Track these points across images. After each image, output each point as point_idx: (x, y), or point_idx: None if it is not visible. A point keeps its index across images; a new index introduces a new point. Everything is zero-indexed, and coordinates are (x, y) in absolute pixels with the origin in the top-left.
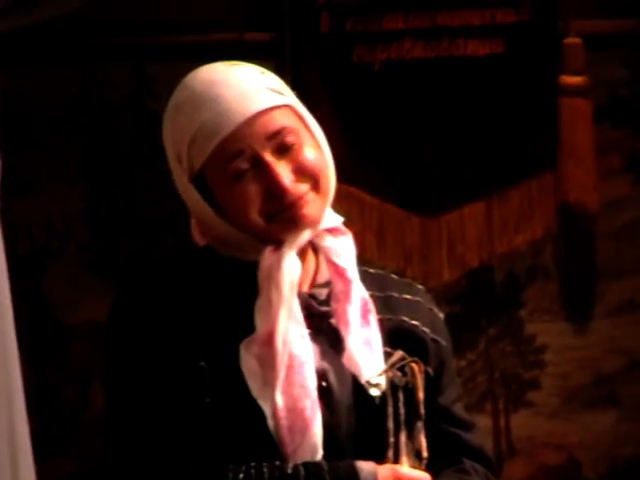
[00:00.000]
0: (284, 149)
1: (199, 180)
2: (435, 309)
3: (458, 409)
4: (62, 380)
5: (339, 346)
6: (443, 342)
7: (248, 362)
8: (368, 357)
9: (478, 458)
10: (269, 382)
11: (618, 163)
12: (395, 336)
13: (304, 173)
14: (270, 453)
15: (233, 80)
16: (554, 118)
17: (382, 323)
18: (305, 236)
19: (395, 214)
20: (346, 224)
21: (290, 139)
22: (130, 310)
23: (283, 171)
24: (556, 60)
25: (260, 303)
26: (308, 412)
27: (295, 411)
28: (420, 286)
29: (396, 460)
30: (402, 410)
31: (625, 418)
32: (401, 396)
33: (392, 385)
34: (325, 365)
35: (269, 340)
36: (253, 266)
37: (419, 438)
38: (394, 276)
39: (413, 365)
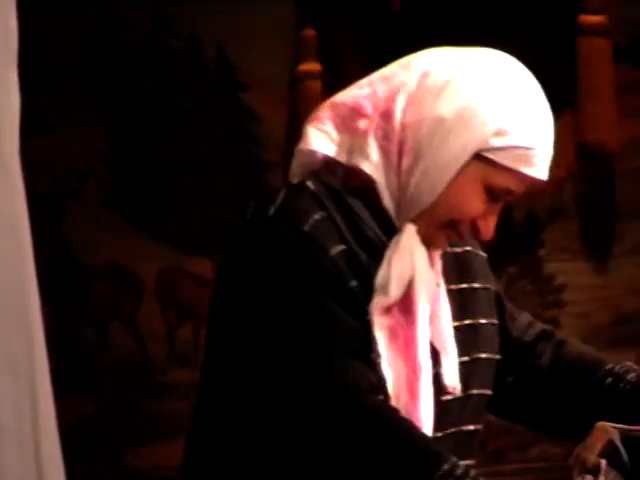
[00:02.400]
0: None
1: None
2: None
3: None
4: (82, 320)
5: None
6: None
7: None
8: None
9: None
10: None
11: (638, 103)
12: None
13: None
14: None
15: (550, 131)
16: (573, 58)
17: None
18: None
19: None
20: None
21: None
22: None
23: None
24: None
25: (398, 252)
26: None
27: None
28: None
29: None
30: None
31: None
32: None
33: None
34: None
35: (410, 311)
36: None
37: None
38: None
39: None
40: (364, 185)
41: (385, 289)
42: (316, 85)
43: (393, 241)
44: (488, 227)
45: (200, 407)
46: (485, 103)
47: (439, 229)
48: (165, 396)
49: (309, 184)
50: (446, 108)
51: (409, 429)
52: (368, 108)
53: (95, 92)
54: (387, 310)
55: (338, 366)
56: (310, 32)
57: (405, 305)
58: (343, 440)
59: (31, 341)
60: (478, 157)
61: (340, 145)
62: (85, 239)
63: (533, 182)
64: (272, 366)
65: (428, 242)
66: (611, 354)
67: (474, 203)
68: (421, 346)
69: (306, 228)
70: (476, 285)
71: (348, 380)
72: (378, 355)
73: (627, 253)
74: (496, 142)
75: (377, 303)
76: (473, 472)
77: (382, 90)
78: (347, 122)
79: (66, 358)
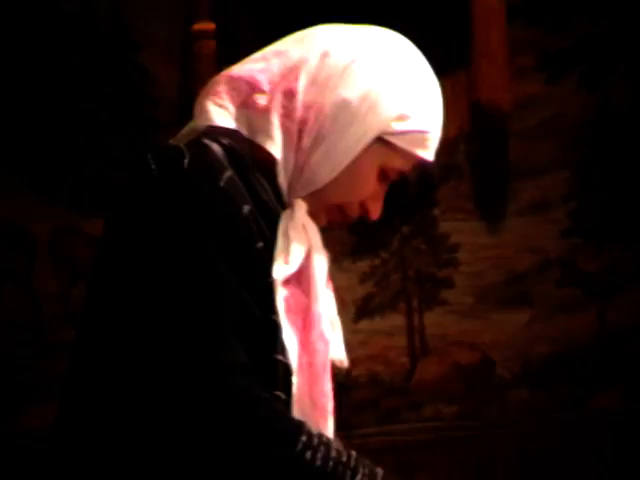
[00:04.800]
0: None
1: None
2: None
3: None
4: None
5: None
6: None
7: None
8: None
9: None
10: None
11: (531, 62)
12: None
13: None
14: None
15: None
16: (467, 16)
17: None
18: None
19: None
20: None
21: None
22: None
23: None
24: None
25: (293, 226)
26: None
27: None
28: None
29: None
30: None
31: (538, 317)
32: None
33: None
34: None
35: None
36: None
37: None
38: None
39: None
40: (264, 159)
41: (285, 259)
42: (210, 44)
43: (285, 214)
44: (377, 208)
45: (75, 367)
46: (388, 87)
47: (326, 210)
48: (59, 356)
49: (208, 142)
50: (350, 92)
51: (271, 409)
52: (264, 84)
53: None
54: (285, 281)
55: (216, 342)
56: None
57: (302, 277)
58: (206, 418)
59: None
60: (379, 141)
61: (240, 121)
62: None
63: (424, 164)
64: (150, 324)
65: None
66: (504, 313)
67: (368, 185)
68: (320, 318)
69: (222, 184)
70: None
71: (221, 359)
72: (278, 324)
73: (520, 212)
74: (398, 126)
75: (277, 273)
76: (325, 437)
77: (277, 65)
78: (245, 97)
79: None
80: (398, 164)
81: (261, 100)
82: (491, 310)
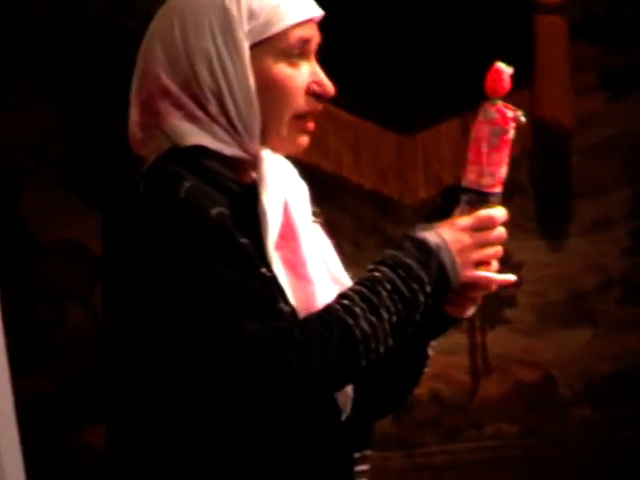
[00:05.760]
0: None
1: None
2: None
3: None
4: (38, 299)
5: None
6: None
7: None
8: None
9: None
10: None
11: (593, 80)
12: None
13: None
14: None
15: None
16: (530, 36)
17: None
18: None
19: (371, 132)
20: (323, 142)
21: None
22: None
23: None
24: None
25: (268, 198)
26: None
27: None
28: None
29: None
30: None
31: (600, 335)
32: None
33: None
34: None
35: (291, 236)
36: (240, 162)
37: None
38: None
39: None
40: (203, 151)
41: (267, 224)
42: None
43: (257, 176)
44: (323, 83)
45: (111, 377)
46: (213, 5)
47: (291, 128)
48: None
49: (165, 163)
50: (195, 38)
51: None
52: (145, 91)
53: (49, 70)
54: (277, 245)
55: (239, 329)
56: None
57: (286, 232)
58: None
59: None
60: (255, 46)
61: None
62: (41, 217)
63: (314, 21)
64: (172, 338)
65: (289, 149)
66: (566, 331)
67: (292, 78)
68: (312, 269)
69: (182, 195)
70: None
71: (249, 345)
72: (285, 296)
73: (582, 231)
74: (254, 24)
75: (267, 241)
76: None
77: (140, 70)
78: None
79: (22, 337)
80: (290, 44)
81: (160, 107)
82: (553, 328)
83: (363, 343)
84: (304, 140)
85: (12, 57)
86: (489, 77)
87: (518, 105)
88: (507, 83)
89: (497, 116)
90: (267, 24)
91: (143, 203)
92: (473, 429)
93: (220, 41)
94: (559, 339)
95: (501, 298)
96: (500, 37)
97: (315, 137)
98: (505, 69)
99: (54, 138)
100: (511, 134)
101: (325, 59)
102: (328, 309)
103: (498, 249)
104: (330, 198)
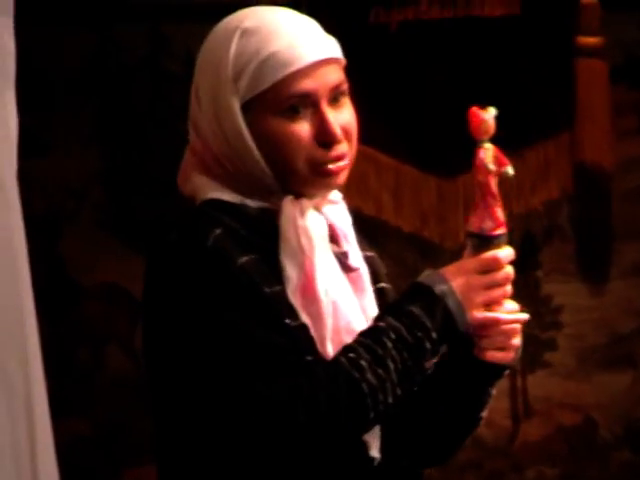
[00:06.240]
0: (337, 104)
1: (243, 110)
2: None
3: None
4: (77, 341)
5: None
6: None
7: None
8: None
9: None
10: (318, 332)
11: (634, 124)
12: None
13: (347, 132)
14: None
15: (304, 21)
16: (570, 79)
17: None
18: (328, 196)
19: (412, 175)
20: (363, 185)
21: (344, 95)
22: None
23: (336, 123)
24: (572, 21)
25: (288, 251)
26: None
27: None
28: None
29: None
30: None
31: None
32: None
33: None
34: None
35: (310, 288)
36: (265, 213)
37: None
38: None
39: None
40: (231, 205)
41: (289, 279)
42: None
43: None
44: (327, 131)
45: (157, 422)
46: (222, 55)
47: (310, 175)
48: None
49: (199, 207)
50: (200, 99)
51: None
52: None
53: (91, 112)
54: (298, 295)
55: (248, 388)
56: None
57: (305, 286)
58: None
59: (26, 359)
60: (249, 105)
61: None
62: (81, 260)
63: (318, 66)
64: (200, 386)
65: (317, 193)
66: (606, 375)
67: (291, 134)
68: (324, 300)
69: (210, 242)
70: (382, 285)
71: (269, 400)
72: (311, 344)
73: (623, 274)
74: (243, 83)
75: (290, 292)
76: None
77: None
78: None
79: (62, 379)
80: (284, 95)
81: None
82: (594, 372)
83: (370, 396)
84: (331, 182)
85: (53, 99)
86: (469, 122)
87: (559, 149)
88: (487, 125)
89: (479, 160)
90: (256, 80)
91: (172, 251)
92: (514, 473)
93: (214, 103)
94: (599, 382)
95: (541, 341)
96: (541, 81)
97: (355, 180)
98: (482, 112)
99: (95, 181)
100: (492, 178)
101: (365, 101)
102: (334, 363)
103: (507, 289)
104: (371, 241)
